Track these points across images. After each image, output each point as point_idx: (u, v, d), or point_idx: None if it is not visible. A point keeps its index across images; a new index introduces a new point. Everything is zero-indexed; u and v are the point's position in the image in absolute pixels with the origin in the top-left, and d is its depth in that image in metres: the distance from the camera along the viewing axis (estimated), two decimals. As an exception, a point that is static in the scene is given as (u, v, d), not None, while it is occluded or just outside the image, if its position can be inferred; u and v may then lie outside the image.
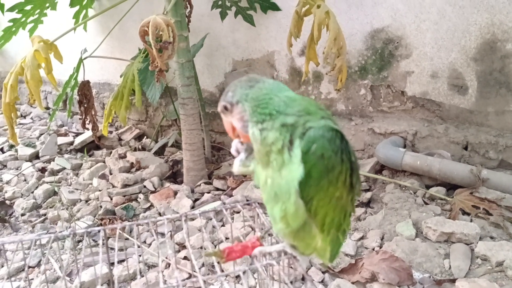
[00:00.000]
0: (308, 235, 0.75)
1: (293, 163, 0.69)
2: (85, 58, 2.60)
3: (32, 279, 1.71)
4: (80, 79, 2.66)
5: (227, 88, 0.79)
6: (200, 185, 2.29)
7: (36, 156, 3.02)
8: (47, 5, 2.38)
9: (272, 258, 0.69)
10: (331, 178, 0.70)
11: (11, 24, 2.34)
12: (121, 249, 1.81)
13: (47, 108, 4.21)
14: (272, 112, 0.71)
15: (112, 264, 1.72)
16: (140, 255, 1.77)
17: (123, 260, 1.72)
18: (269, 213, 0.78)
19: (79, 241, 1.92)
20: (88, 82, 2.68)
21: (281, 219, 0.74)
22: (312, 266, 1.53)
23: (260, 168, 0.76)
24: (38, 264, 1.80)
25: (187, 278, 1.58)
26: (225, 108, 0.77)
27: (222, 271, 1.62)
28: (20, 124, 3.84)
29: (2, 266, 1.78)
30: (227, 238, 1.79)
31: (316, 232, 0.75)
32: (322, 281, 1.47)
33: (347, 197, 0.74)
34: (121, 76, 2.75)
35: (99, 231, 0.97)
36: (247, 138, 0.77)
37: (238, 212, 1.97)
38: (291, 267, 0.77)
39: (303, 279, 1.50)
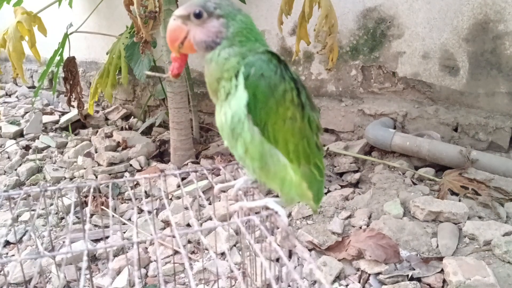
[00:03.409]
0: (278, 167, 0.74)
1: (238, 90, 0.70)
2: (70, 34, 2.53)
3: (13, 255, 1.68)
4: (66, 56, 2.59)
5: None
6: (187, 164, 2.26)
7: (20, 134, 2.96)
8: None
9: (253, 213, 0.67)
10: (277, 96, 0.70)
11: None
12: (105, 226, 1.77)
13: (33, 87, 4.13)
14: (251, 39, 0.72)
15: (98, 240, 1.70)
16: (124, 232, 1.74)
17: (107, 237, 1.68)
18: (237, 157, 0.78)
19: (62, 218, 1.89)
20: (73, 58, 2.61)
21: (245, 154, 0.73)
22: (298, 243, 1.51)
23: (217, 108, 0.76)
24: (20, 241, 1.76)
25: (173, 254, 1.56)
26: (197, 14, 0.71)
27: (206, 249, 1.60)
28: (5, 102, 3.77)
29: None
30: (210, 218, 1.76)
31: (286, 162, 0.74)
32: (308, 259, 1.45)
33: (302, 120, 0.74)
34: (107, 53, 2.69)
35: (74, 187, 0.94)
36: (185, 54, 0.75)
37: (225, 191, 1.94)
38: (278, 245, 0.75)
39: (290, 256, 1.47)
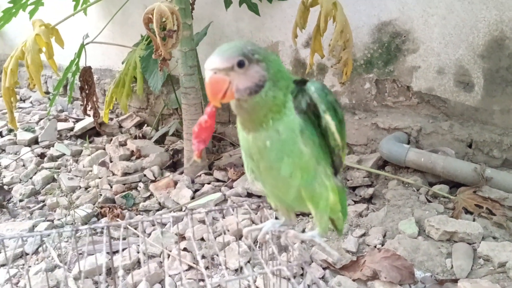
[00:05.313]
0: (322, 186, 0.78)
1: (288, 115, 0.74)
2: (86, 44, 2.56)
3: (30, 266, 1.70)
4: (81, 64, 2.62)
5: (230, 45, 0.73)
6: (200, 175, 2.27)
7: (35, 141, 2.99)
8: (49, -13, 2.34)
9: (282, 263, 0.68)
10: (340, 107, 0.79)
11: (11, 5, 2.29)
12: (121, 238, 1.79)
13: (47, 92, 4.17)
14: (285, 74, 0.77)
15: (114, 252, 1.71)
16: (139, 245, 1.75)
17: (123, 249, 1.70)
18: (272, 183, 0.80)
19: (77, 230, 1.91)
20: (89, 68, 2.64)
21: (292, 175, 0.76)
22: (312, 261, 1.52)
23: (250, 137, 0.77)
24: (36, 252, 1.78)
25: (187, 270, 1.57)
26: (241, 64, 0.71)
27: (220, 264, 1.61)
28: (19, 108, 3.81)
29: None
30: (228, 230, 1.77)
31: (328, 182, 0.79)
32: (322, 277, 1.46)
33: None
34: (123, 63, 2.72)
35: (102, 227, 0.95)
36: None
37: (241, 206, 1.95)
38: (290, 262, 0.76)
39: (302, 274, 1.49)
